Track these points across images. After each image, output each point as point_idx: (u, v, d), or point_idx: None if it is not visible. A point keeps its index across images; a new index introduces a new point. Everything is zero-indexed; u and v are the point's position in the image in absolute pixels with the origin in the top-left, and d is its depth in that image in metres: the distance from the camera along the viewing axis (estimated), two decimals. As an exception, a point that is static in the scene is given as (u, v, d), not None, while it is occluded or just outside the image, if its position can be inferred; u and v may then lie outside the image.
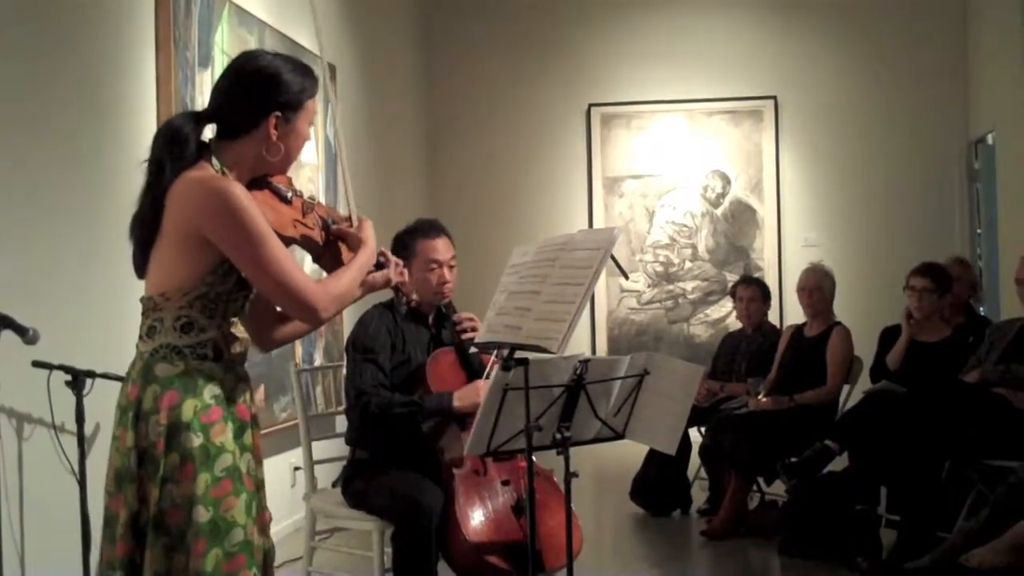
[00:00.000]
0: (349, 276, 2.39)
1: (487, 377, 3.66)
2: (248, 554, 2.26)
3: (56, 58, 3.81)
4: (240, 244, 2.22)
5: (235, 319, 2.36)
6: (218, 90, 2.37)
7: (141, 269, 2.34)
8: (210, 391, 2.27)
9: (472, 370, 3.79)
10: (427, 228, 3.87)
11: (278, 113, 2.32)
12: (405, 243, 3.83)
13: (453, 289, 3.86)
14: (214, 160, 2.30)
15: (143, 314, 2.33)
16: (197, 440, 2.22)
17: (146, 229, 2.29)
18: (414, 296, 2.67)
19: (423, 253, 3.80)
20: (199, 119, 2.34)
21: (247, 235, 2.21)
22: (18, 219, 3.56)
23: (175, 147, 2.27)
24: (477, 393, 3.59)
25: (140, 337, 2.32)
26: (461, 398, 3.63)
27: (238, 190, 2.22)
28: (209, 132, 2.39)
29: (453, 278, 3.85)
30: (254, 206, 2.23)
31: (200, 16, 4.68)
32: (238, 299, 2.33)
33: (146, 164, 2.32)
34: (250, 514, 2.29)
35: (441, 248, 3.83)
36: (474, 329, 3.77)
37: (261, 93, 2.31)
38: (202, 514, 2.20)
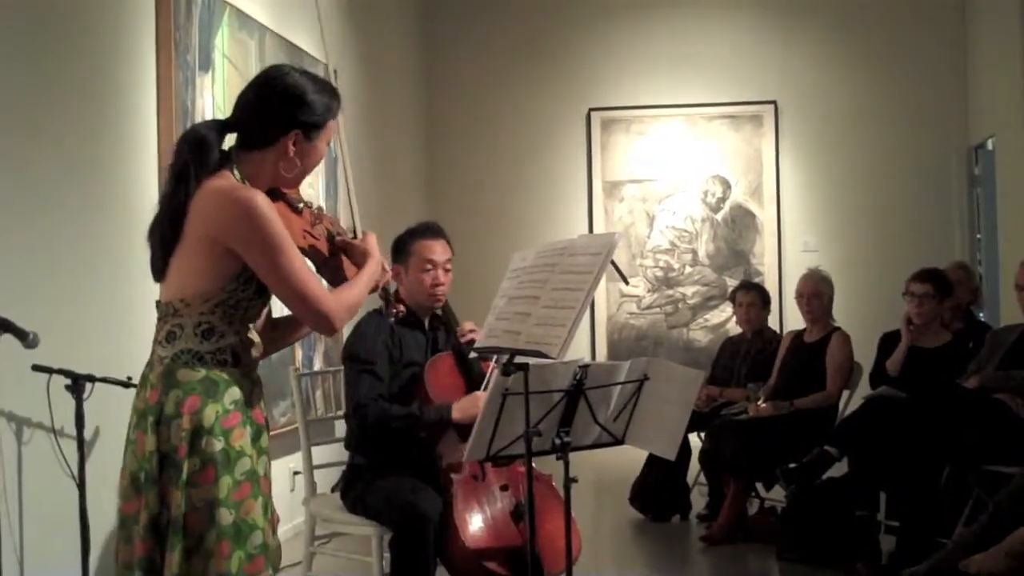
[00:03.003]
0: (360, 287, 2.46)
1: (486, 388, 3.66)
2: (266, 556, 2.32)
3: (56, 61, 3.81)
4: (261, 252, 2.27)
5: (251, 325, 2.41)
6: (243, 102, 2.41)
7: (160, 273, 2.38)
8: (230, 396, 2.32)
9: (471, 375, 3.78)
10: (425, 229, 3.89)
11: (299, 132, 2.37)
12: (403, 243, 3.85)
13: (447, 292, 3.86)
14: (235, 169, 2.35)
15: (161, 319, 2.36)
16: (219, 444, 2.27)
17: (167, 234, 2.33)
18: (401, 308, 2.70)
19: (419, 253, 3.81)
20: (223, 128, 2.39)
21: (268, 243, 2.27)
22: (18, 222, 3.56)
23: (200, 154, 2.32)
24: (476, 405, 3.57)
25: (158, 342, 2.35)
26: (461, 410, 3.62)
27: (260, 199, 2.28)
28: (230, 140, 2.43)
29: (448, 281, 3.85)
30: (275, 215, 2.29)
31: (201, 19, 4.68)
32: (256, 305, 2.39)
33: (169, 168, 2.36)
34: (266, 517, 2.34)
35: (438, 249, 3.83)
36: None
37: (286, 110, 2.36)
38: (225, 517, 2.25)
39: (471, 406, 3.59)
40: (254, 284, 2.33)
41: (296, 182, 2.47)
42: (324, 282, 2.53)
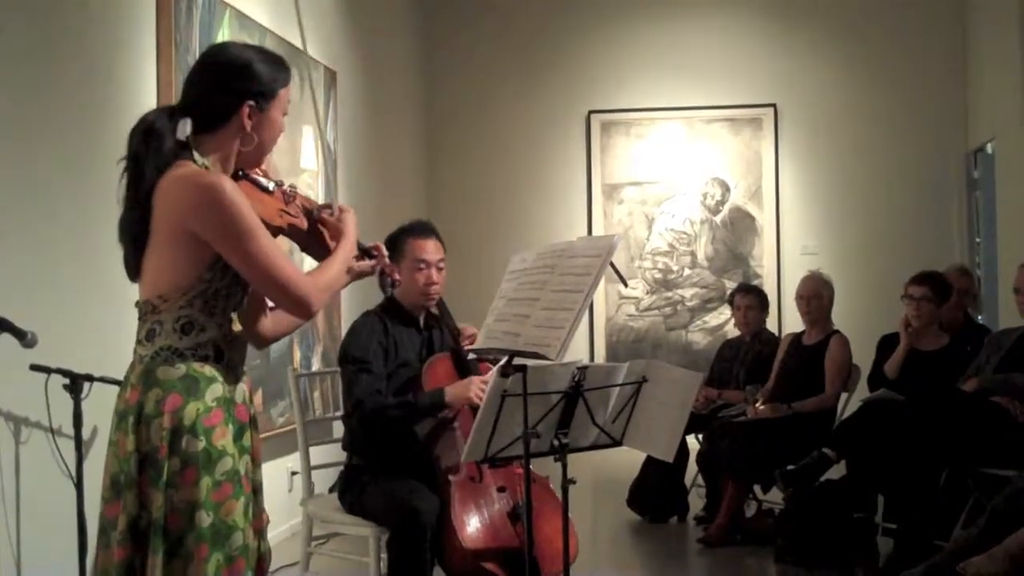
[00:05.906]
0: (335, 267, 2.39)
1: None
2: (247, 558, 2.27)
3: (57, 61, 3.81)
4: (230, 238, 2.20)
5: (234, 315, 2.34)
6: (190, 82, 2.36)
7: (134, 272, 2.31)
8: (212, 393, 2.25)
9: (468, 375, 3.79)
10: (417, 228, 3.89)
11: (251, 102, 2.30)
12: (395, 242, 3.84)
13: (440, 291, 3.87)
14: (196, 156, 2.28)
15: (140, 318, 2.30)
16: (200, 444, 2.20)
17: (135, 231, 2.27)
18: (397, 276, 2.64)
19: (411, 252, 3.81)
20: (173, 113, 2.32)
21: (236, 229, 2.19)
22: (17, 222, 3.56)
23: (151, 142, 2.25)
24: (468, 388, 3.60)
25: (139, 341, 2.29)
26: (453, 393, 3.63)
27: (226, 184, 2.21)
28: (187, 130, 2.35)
29: (441, 280, 3.86)
30: (243, 199, 2.21)
31: (201, 20, 4.69)
32: (237, 293, 2.32)
33: (123, 162, 2.30)
34: (247, 517, 2.28)
35: (430, 248, 3.83)
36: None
37: (233, 82, 2.30)
38: (204, 519, 2.19)
39: (463, 389, 3.62)
40: (230, 272, 2.26)
41: (257, 159, 2.39)
42: (308, 260, 2.47)
